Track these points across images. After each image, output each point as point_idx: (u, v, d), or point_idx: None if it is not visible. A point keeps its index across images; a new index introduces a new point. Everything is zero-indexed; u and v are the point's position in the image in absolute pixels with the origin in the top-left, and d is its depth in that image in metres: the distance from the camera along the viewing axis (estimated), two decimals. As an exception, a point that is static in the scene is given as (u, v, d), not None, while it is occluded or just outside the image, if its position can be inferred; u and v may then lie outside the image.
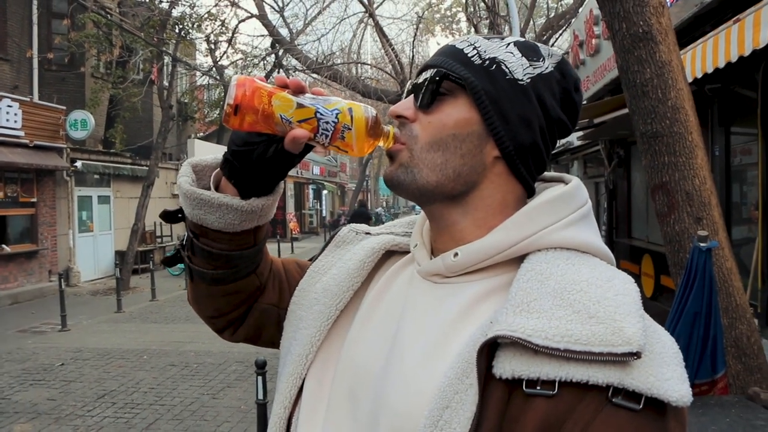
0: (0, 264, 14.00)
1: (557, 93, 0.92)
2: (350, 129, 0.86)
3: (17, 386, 7.45)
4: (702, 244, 3.04)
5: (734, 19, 5.02)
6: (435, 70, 0.89)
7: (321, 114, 0.86)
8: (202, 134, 28.85)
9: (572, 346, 0.70)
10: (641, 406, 0.69)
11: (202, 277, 1.03)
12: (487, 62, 0.88)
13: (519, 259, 0.86)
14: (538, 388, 0.72)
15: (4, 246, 14.10)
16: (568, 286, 0.77)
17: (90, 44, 16.19)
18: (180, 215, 1.01)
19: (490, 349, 0.75)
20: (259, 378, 4.78)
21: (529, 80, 0.89)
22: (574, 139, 14.65)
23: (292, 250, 25.62)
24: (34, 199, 15.05)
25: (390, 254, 1.06)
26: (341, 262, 1.06)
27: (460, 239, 0.90)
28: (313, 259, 1.16)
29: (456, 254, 0.89)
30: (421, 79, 0.91)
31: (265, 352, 8.08)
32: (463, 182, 0.88)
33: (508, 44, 0.91)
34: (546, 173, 0.98)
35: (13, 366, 8.40)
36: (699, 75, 5.51)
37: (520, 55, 0.90)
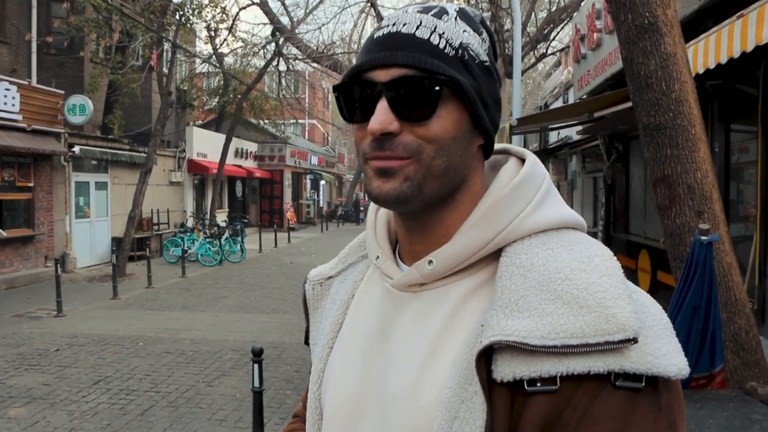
0: (-4, 248, 13.95)
1: (492, 54, 0.88)
2: None
3: (12, 371, 7.44)
4: (703, 238, 3.03)
5: (738, 14, 4.99)
6: (416, 71, 0.79)
7: None
8: (200, 122, 28.80)
9: (568, 340, 0.70)
10: (643, 385, 0.71)
11: None
12: (459, 51, 0.81)
13: (497, 252, 0.84)
14: (539, 385, 0.72)
15: (0, 230, 14.05)
16: (552, 275, 0.76)
17: (89, 29, 16.11)
18: None
19: (486, 354, 0.74)
20: (256, 366, 4.76)
21: (488, 59, 0.85)
22: (573, 133, 14.65)
23: (289, 240, 25.59)
24: (31, 184, 14.98)
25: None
26: (323, 325, 1.03)
27: (443, 235, 0.87)
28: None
29: (430, 261, 0.86)
30: (388, 81, 0.80)
31: (262, 340, 8.08)
32: (458, 180, 0.85)
33: (456, 20, 0.83)
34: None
35: (8, 350, 8.38)
36: (701, 70, 5.49)
37: (471, 30, 0.84)
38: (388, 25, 0.84)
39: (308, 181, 39.11)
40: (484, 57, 0.84)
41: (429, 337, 0.84)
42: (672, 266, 3.58)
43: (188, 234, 18.97)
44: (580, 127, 12.50)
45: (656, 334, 0.73)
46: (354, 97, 0.84)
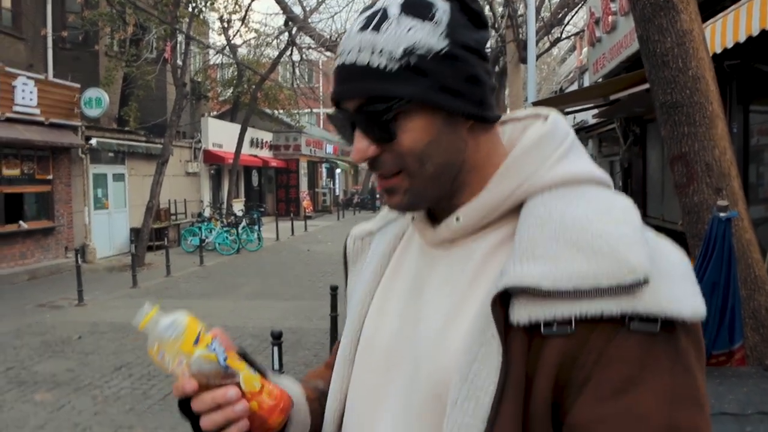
0: (17, 240, 14.15)
1: (467, 23, 0.86)
2: (195, 340, 0.87)
3: (37, 357, 7.58)
4: (722, 214, 3.02)
5: (757, -9, 4.93)
6: (366, 101, 0.83)
7: (220, 354, 0.88)
8: (215, 113, 28.90)
9: (581, 284, 0.73)
10: (659, 328, 0.72)
11: None
12: (404, 60, 0.81)
13: (520, 207, 0.86)
14: (555, 328, 0.74)
15: (21, 222, 14.25)
16: (569, 224, 0.78)
17: (104, 22, 16.23)
18: None
19: (504, 300, 0.77)
20: (275, 348, 4.82)
21: (447, 42, 0.83)
22: (589, 117, 14.56)
23: (306, 228, 25.67)
24: (50, 177, 15.17)
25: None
26: (362, 276, 1.07)
27: (462, 204, 0.91)
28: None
29: (457, 218, 0.90)
30: (352, 113, 0.86)
31: (280, 326, 8.14)
32: (456, 169, 0.88)
33: (399, 20, 0.82)
34: (519, 112, 0.98)
35: (32, 338, 8.53)
36: (719, 50, 5.42)
37: (420, 22, 0.82)
38: (340, 54, 0.87)
39: (324, 170, 39.16)
40: (441, 44, 0.82)
41: (457, 290, 0.87)
42: (690, 244, 3.56)
43: (206, 223, 19.10)
44: (596, 111, 12.42)
45: (672, 278, 0.74)
46: (342, 124, 0.90)
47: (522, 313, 0.75)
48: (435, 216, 0.96)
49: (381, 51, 0.82)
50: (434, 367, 0.85)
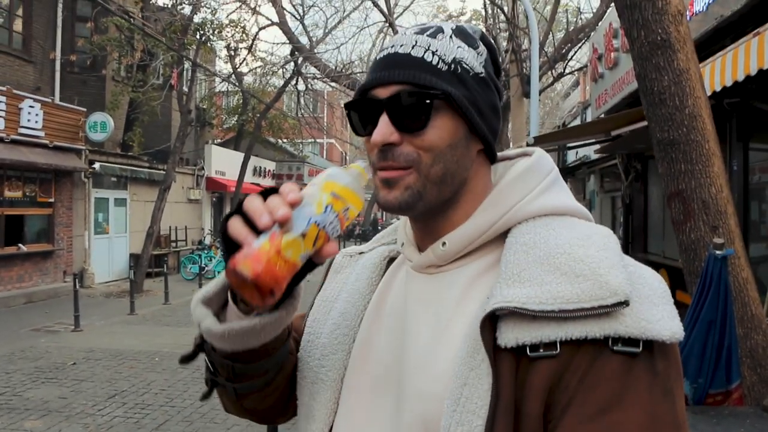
0: (16, 263, 14.13)
1: (492, 66, 0.96)
2: (349, 207, 0.85)
3: (29, 383, 7.50)
4: (718, 252, 3.01)
5: (754, 32, 4.99)
6: (411, 87, 0.87)
7: (322, 223, 0.82)
8: (219, 140, 29.06)
9: (565, 305, 0.75)
10: (641, 349, 0.74)
11: (257, 388, 1.03)
12: (452, 66, 0.89)
13: (504, 235, 0.90)
14: (541, 350, 0.76)
15: (20, 245, 14.24)
16: (552, 250, 0.82)
17: (112, 48, 16.42)
18: (197, 351, 1.02)
19: (492, 324, 0.79)
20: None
21: (484, 70, 0.93)
22: (591, 152, 14.60)
23: (306, 258, 25.58)
24: (52, 200, 15.21)
25: (389, 260, 1.10)
26: (348, 285, 1.09)
27: (449, 230, 0.93)
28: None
29: (444, 243, 0.93)
30: (388, 97, 0.88)
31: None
32: (457, 184, 0.92)
33: (452, 38, 0.91)
34: (510, 151, 1.03)
35: (25, 363, 8.46)
36: (718, 88, 5.47)
37: (467, 46, 0.92)
38: (388, 47, 0.92)
39: (325, 200, 39.16)
40: (480, 69, 0.92)
41: (442, 313, 0.90)
42: (687, 281, 3.56)
43: (206, 251, 19.09)
44: (598, 147, 12.47)
45: (651, 301, 0.77)
46: (362, 113, 0.93)
47: (509, 336, 0.77)
48: (421, 243, 0.98)
49: (435, 52, 0.89)
50: (420, 391, 0.86)
